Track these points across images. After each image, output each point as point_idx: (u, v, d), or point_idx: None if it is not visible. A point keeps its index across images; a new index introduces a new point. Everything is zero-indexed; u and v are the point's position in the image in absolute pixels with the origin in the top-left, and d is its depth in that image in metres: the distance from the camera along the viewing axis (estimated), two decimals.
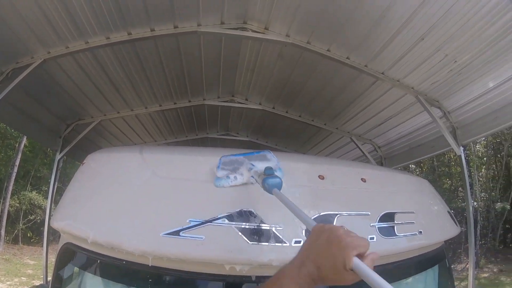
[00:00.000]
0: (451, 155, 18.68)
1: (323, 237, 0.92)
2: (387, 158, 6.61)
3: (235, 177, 1.56)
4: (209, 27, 4.11)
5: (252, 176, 1.52)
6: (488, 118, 4.49)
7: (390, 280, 1.82)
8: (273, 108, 6.35)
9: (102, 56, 4.32)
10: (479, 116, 4.59)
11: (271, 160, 1.65)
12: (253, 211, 1.54)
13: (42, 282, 7.25)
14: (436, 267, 2.19)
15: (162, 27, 3.97)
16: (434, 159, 19.83)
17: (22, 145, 19.87)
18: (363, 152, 6.56)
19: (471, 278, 4.65)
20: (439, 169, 20.60)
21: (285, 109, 6.35)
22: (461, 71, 4.10)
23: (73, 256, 1.73)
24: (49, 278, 5.92)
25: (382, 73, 4.45)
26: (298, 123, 6.55)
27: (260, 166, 1.59)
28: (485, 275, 15.12)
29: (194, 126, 7.61)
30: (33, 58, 4.00)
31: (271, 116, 6.57)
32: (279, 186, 1.41)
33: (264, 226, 1.54)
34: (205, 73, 5.27)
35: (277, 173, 1.52)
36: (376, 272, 0.79)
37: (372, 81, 4.71)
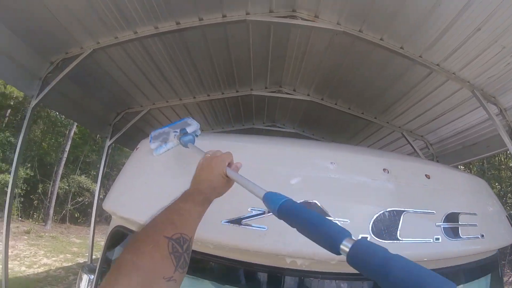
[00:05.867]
0: (502, 158, 17.50)
1: (204, 164, 1.24)
2: (439, 156, 6.20)
3: (166, 144, 1.70)
4: (257, 15, 4.08)
5: (177, 139, 1.69)
6: None
7: None
8: (322, 99, 6.16)
9: (151, 46, 4.41)
10: None
11: (192, 124, 1.79)
12: (317, 202, 1.44)
13: (86, 260, 7.61)
14: (488, 276, 1.99)
15: (210, 16, 3.98)
16: (485, 161, 18.59)
17: (72, 132, 21.18)
18: (414, 149, 6.19)
19: None
20: (489, 172, 19.30)
21: (334, 101, 6.13)
22: None
23: (123, 239, 1.73)
24: (94, 257, 6.21)
25: (437, 65, 4.18)
26: (346, 115, 6.29)
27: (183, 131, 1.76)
28: None
29: (241, 116, 7.62)
30: (82, 49, 4.16)
31: (319, 107, 6.35)
32: (192, 141, 1.63)
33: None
34: (253, 63, 5.25)
35: (195, 133, 1.76)
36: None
37: (426, 72, 4.45)
